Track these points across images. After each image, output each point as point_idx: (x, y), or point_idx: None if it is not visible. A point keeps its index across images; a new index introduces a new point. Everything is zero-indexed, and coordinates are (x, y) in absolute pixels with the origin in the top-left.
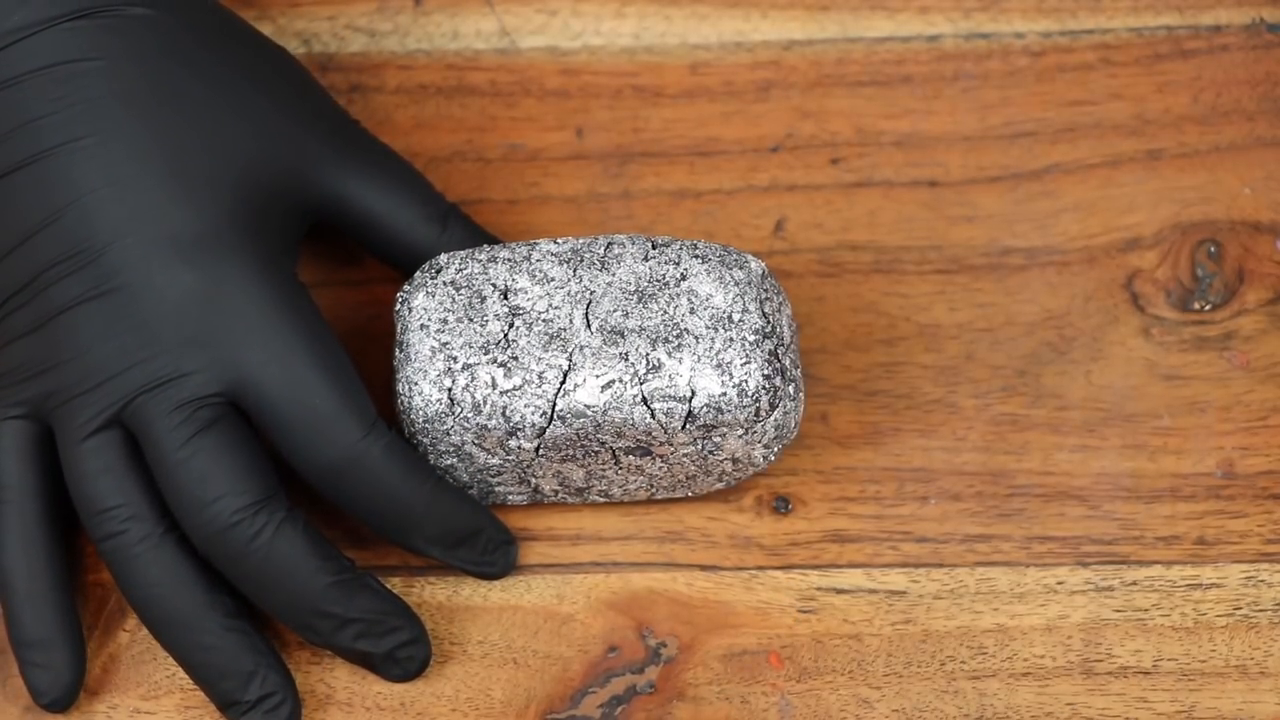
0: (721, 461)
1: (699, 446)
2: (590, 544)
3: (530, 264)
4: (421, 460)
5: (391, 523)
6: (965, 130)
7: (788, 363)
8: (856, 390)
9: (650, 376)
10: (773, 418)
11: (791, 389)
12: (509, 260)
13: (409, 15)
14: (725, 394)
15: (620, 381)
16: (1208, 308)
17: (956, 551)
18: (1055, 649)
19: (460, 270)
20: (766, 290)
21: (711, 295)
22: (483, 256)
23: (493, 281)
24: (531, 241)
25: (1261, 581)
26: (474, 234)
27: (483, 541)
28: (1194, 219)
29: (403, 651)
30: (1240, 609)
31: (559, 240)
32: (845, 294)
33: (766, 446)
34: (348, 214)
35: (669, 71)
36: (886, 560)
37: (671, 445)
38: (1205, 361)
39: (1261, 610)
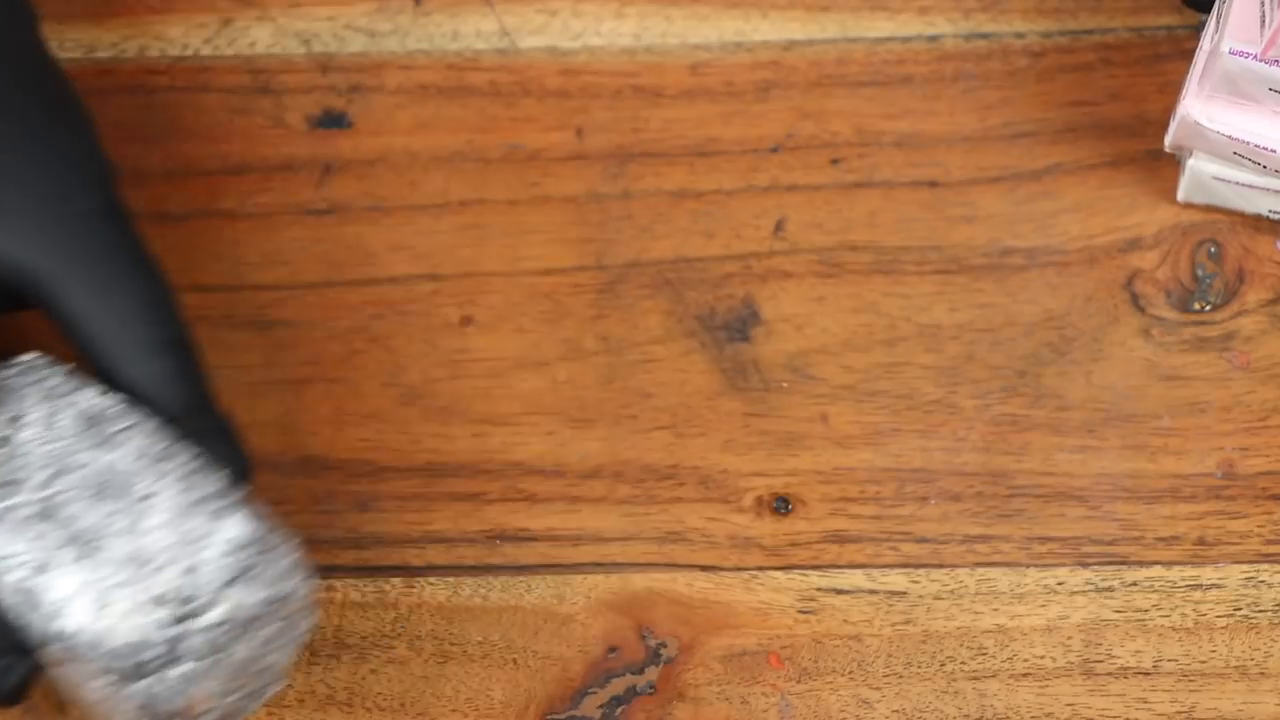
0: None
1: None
2: (590, 544)
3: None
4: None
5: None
6: (965, 130)
7: (205, 646)
8: (856, 390)
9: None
10: (143, 683)
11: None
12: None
13: (409, 15)
14: (83, 631)
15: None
16: (1208, 308)
17: (956, 552)
18: (1055, 649)
19: None
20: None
21: (162, 527)
22: None
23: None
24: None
25: (1261, 582)
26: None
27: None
28: (1194, 219)
29: None
30: (1240, 609)
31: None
32: (845, 294)
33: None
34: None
35: (669, 71)
36: (886, 561)
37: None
38: (1205, 362)
39: (1261, 611)
